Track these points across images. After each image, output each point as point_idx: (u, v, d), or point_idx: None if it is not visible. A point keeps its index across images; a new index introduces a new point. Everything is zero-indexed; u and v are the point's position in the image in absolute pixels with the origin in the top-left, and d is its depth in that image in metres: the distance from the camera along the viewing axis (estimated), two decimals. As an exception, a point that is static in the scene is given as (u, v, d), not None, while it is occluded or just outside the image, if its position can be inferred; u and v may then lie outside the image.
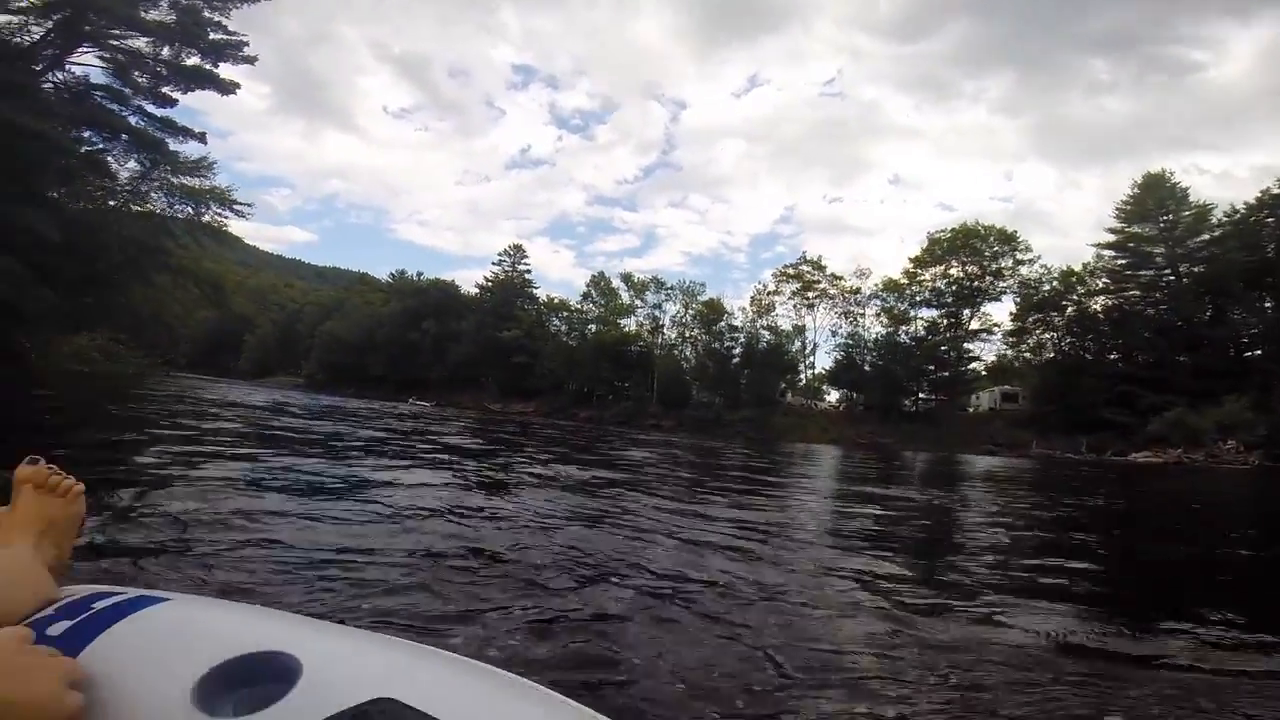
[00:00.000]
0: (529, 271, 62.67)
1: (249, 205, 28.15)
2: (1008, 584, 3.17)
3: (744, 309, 53.16)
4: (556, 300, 60.91)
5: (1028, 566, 3.73)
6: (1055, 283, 41.79)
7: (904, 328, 46.87)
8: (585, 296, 58.00)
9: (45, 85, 21.86)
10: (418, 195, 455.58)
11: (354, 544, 2.56)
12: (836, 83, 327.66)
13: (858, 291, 48.86)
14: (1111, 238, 39.79)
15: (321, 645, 0.61)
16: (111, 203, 25.03)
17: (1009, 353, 45.68)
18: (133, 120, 23.41)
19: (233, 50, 24.10)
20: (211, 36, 23.18)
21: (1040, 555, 4.19)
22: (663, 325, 55.80)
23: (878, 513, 5.94)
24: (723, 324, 52.32)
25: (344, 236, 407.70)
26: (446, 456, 7.51)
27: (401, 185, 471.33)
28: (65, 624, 0.66)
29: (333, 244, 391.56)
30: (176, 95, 24.41)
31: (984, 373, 47.75)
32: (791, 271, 51.27)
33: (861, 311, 48.90)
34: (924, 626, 2.27)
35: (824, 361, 52.99)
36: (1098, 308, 40.43)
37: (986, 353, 46.77)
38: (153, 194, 25.45)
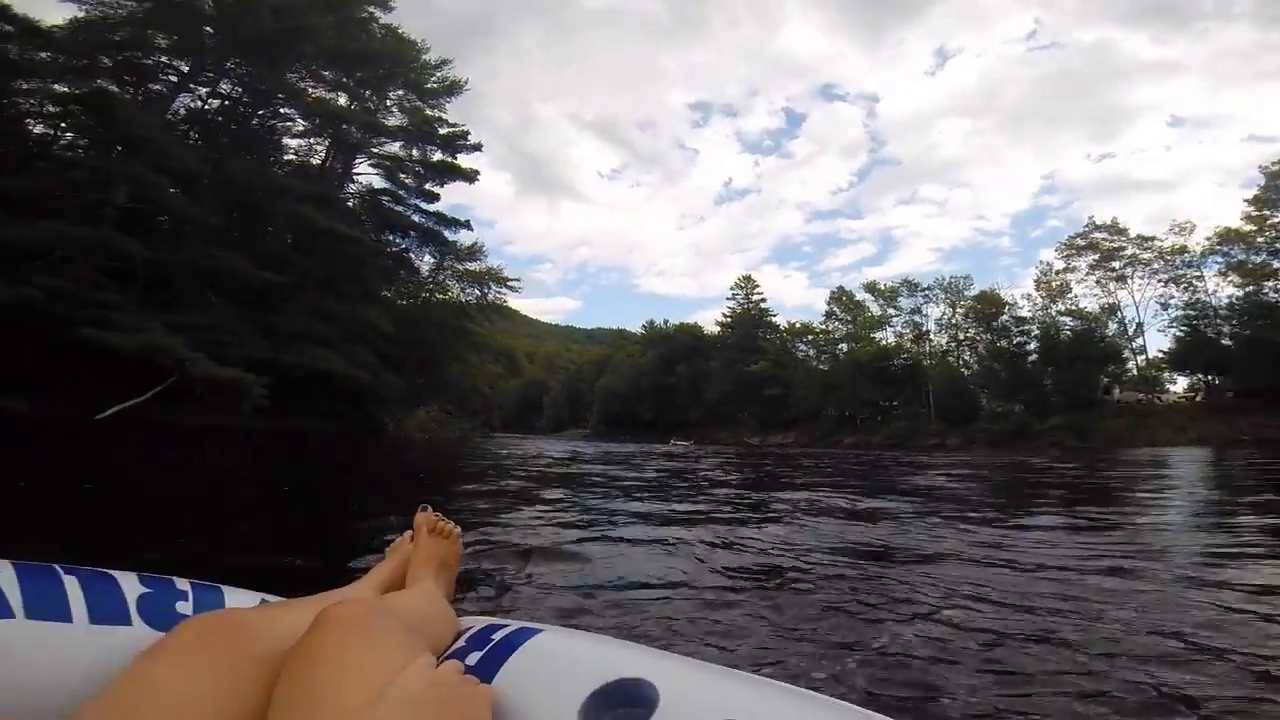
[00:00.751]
0: (764, 300, 61.87)
1: (518, 280, 33.00)
2: None
3: (1028, 297, 44.73)
4: (799, 325, 58.68)
5: None
6: None
7: (1269, 283, 34.38)
8: (828, 316, 54.87)
9: (345, 198, 27.76)
10: (649, 248, 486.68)
11: (658, 576, 2.60)
12: (1039, 34, 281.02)
13: (1183, 250, 37.64)
14: None
15: (676, 675, 0.66)
16: (423, 295, 31.40)
17: None
18: (415, 218, 28.75)
19: (461, 140, 28.43)
20: (441, 131, 27.63)
21: None
22: (928, 332, 49.79)
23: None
24: (1005, 318, 44.53)
25: (601, 298, 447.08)
26: (711, 490, 7.28)
27: (634, 242, 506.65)
28: (477, 654, 0.77)
29: (594, 306, 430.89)
30: (437, 190, 29.38)
31: None
32: (1082, 242, 41.79)
33: (1198, 274, 37.43)
34: None
35: (1158, 343, 41.48)
36: None
37: None
38: (448, 281, 31.38)
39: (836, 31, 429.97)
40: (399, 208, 29.68)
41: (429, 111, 28.58)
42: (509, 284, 32.02)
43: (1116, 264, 40.36)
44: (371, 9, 26.18)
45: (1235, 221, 36.01)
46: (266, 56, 22.21)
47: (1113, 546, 3.29)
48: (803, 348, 57.70)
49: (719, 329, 64.42)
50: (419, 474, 9.33)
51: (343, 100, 27.64)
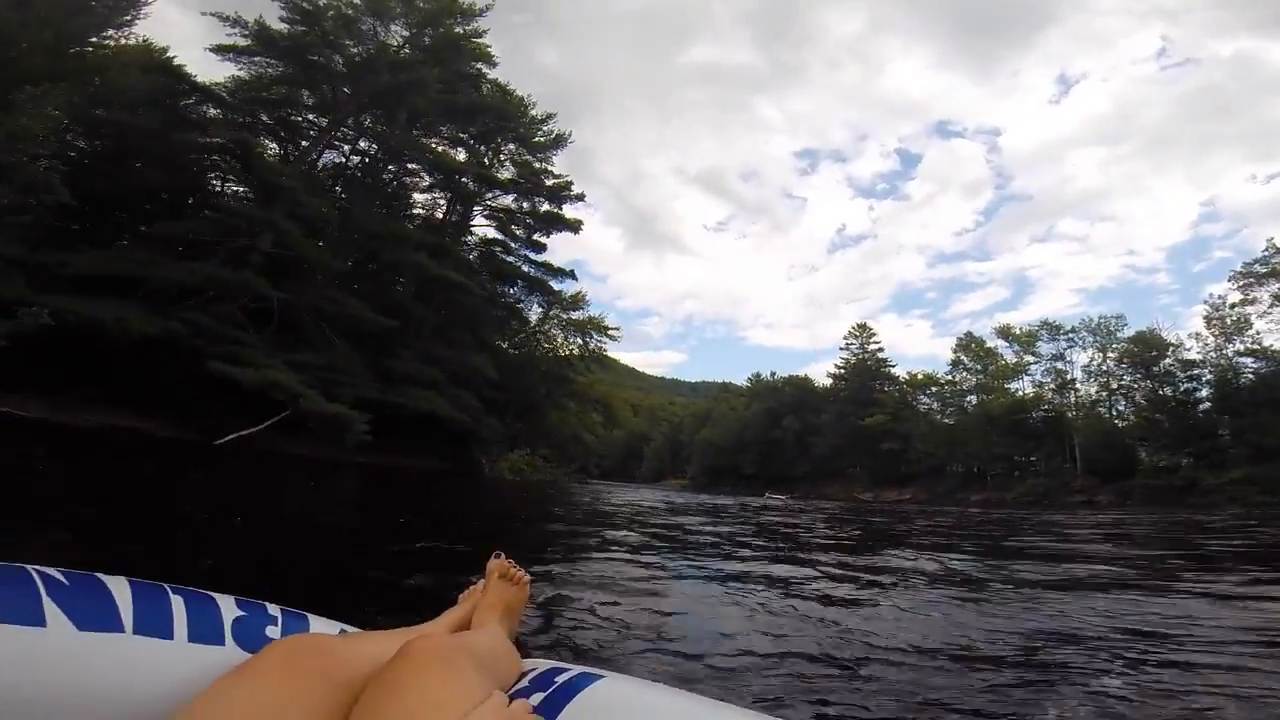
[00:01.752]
0: (881, 350, 58.18)
1: (618, 329, 33.33)
2: None
3: (1196, 336, 38.64)
4: (921, 376, 54.41)
5: None
6: None
7: None
8: (955, 365, 50.40)
9: (463, 252, 29.29)
10: (757, 300, 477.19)
11: (734, 637, 2.44)
12: (1170, 52, 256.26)
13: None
14: None
15: None
16: (531, 343, 32.49)
17: None
18: (525, 269, 29.85)
19: (566, 191, 29.34)
20: (548, 183, 28.71)
21: None
22: (1073, 380, 44.31)
23: None
24: (1169, 361, 38.64)
25: (706, 351, 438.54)
26: (802, 551, 6.62)
27: (740, 294, 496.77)
28: (540, 695, 0.81)
29: (699, 360, 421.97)
30: (544, 240, 30.37)
31: None
32: (1263, 269, 35.67)
33: None
34: None
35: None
36: None
37: None
38: (553, 330, 32.29)
39: (944, 67, 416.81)
40: (510, 258, 31.29)
41: (536, 164, 30.21)
42: (609, 333, 32.46)
43: (1311, 292, 34.08)
44: (479, 65, 28.42)
45: None
46: (387, 110, 24.51)
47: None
48: (925, 400, 53.41)
49: (831, 380, 61.49)
50: (519, 514, 9.38)
51: (461, 156, 30.01)
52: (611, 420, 37.43)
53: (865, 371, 56.99)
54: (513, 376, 29.25)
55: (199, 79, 20.34)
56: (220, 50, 22.20)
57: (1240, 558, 6.02)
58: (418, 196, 30.31)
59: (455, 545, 4.65)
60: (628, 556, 4.64)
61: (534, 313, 32.31)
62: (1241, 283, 36.77)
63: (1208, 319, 37.89)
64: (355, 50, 23.78)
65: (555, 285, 31.59)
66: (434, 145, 28.36)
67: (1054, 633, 2.63)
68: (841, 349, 60.14)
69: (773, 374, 70.76)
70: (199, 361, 16.08)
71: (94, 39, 17.67)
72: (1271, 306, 35.39)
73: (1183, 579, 4.37)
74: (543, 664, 0.96)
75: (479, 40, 27.44)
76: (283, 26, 22.44)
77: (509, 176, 30.00)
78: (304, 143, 24.74)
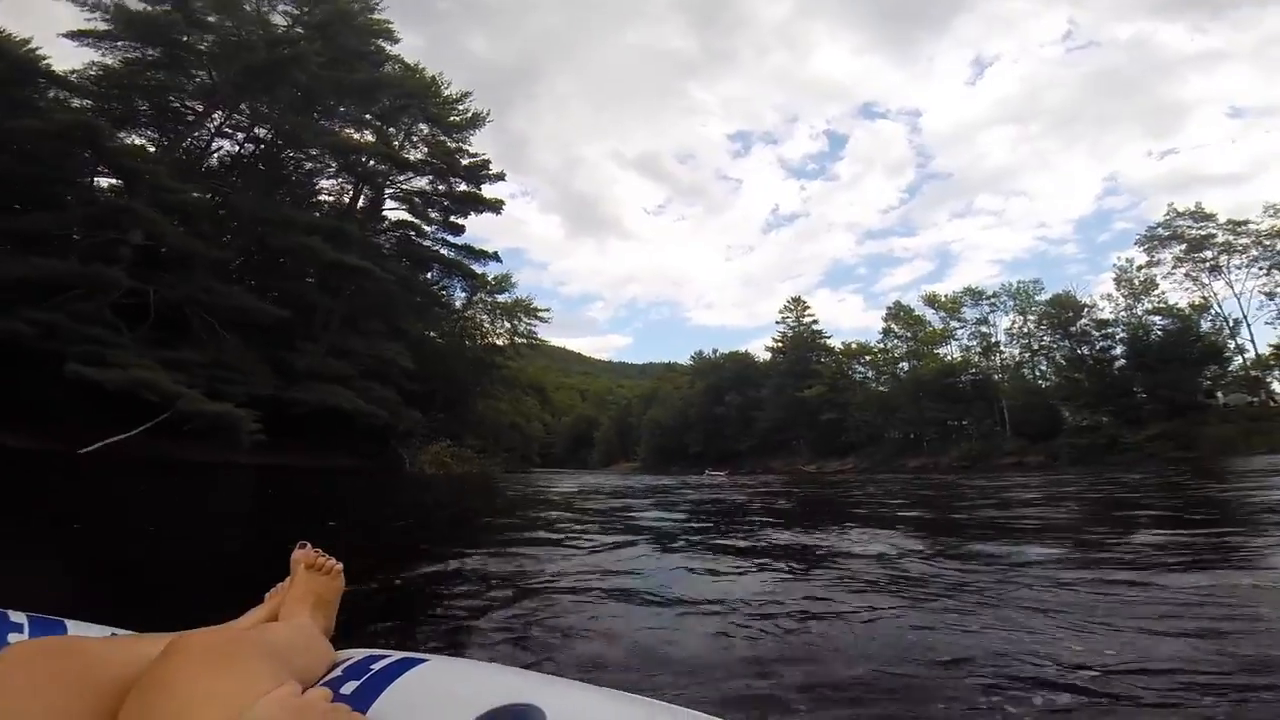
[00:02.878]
0: (816, 323, 58.92)
1: (548, 310, 32.13)
2: None
3: (1109, 298, 40.40)
4: (855, 346, 55.32)
5: None
6: None
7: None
8: (886, 334, 51.41)
9: (374, 238, 27.51)
10: (698, 281, 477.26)
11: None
12: (1075, 34, 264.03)
13: (1287, 232, 33.09)
14: None
15: (564, 699, 0.66)
16: (457, 329, 30.88)
17: None
18: (444, 252, 28.27)
19: (484, 171, 27.90)
20: (464, 163, 27.18)
21: None
22: (998, 343, 45.81)
23: None
24: (1084, 322, 40.26)
25: (651, 334, 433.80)
26: (717, 526, 6.43)
27: (682, 275, 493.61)
28: (353, 684, 0.77)
29: (645, 342, 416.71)
30: (461, 222, 28.84)
31: None
32: (1166, 233, 37.49)
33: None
34: None
35: (1266, 337, 36.51)
36: None
37: None
38: (479, 316, 30.75)
39: (868, 51, 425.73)
40: (427, 242, 29.54)
41: (451, 144, 28.48)
42: (539, 315, 31.22)
43: (1209, 253, 35.94)
44: (379, 42, 26.42)
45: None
46: (268, 90, 22.33)
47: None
48: (860, 369, 54.40)
49: (769, 355, 61.92)
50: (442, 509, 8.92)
51: (370, 139, 27.95)
52: (548, 405, 36.17)
53: (802, 344, 57.57)
54: (436, 365, 27.75)
55: (65, 68, 18.11)
56: (78, 36, 19.65)
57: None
58: (325, 183, 28.28)
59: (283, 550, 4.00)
60: (526, 550, 4.27)
61: (459, 298, 30.69)
62: (1147, 245, 38.58)
63: (1117, 280, 39.72)
64: (231, 29, 21.48)
65: (479, 268, 30.06)
66: (335, 128, 26.28)
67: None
68: (778, 323, 60.66)
69: (714, 351, 70.90)
70: (60, 365, 14.12)
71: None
72: (1175, 267, 37.30)
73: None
74: (360, 652, 0.89)
75: (376, 16, 25.42)
76: (143, 6, 20.03)
77: (420, 157, 28.15)
78: (180, 128, 22.31)
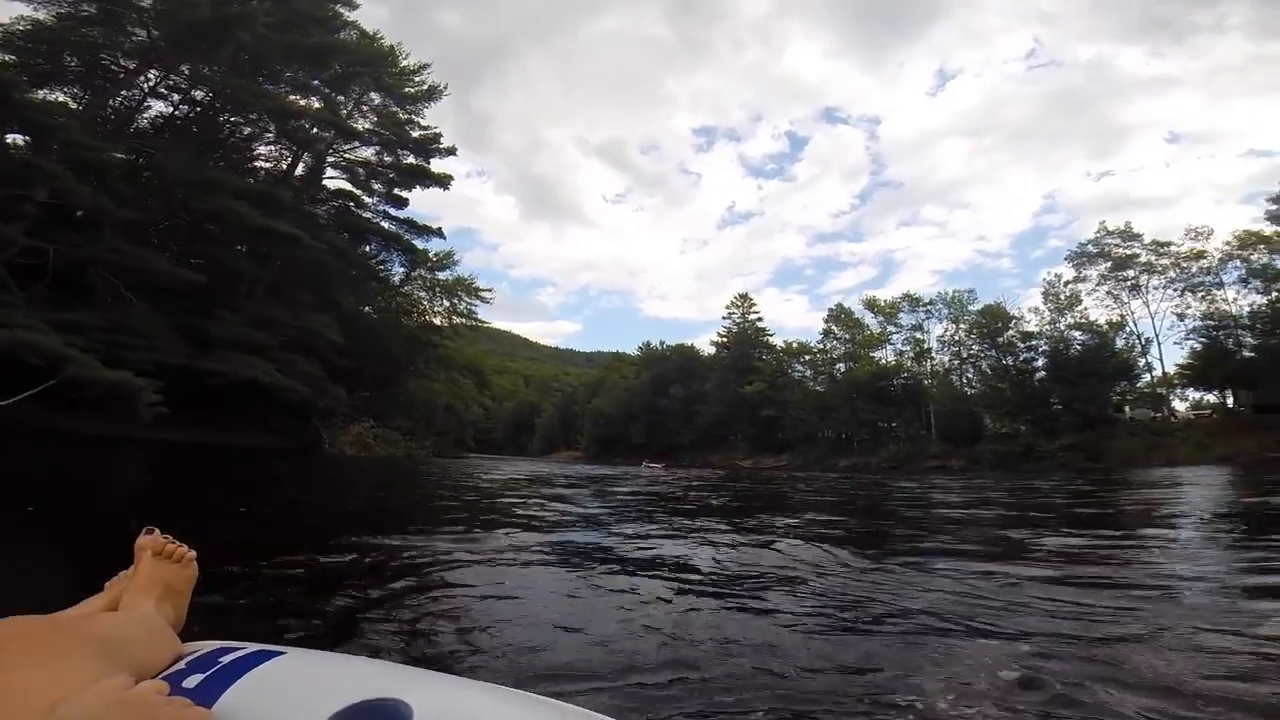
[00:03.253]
0: (760, 320, 59.91)
1: (489, 290, 31.37)
2: None
3: (1035, 310, 42.51)
4: (796, 345, 56.45)
5: None
6: None
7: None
8: (826, 334, 52.60)
9: (311, 207, 26.22)
10: (652, 272, 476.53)
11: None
12: (1039, 53, 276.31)
13: (1202, 256, 35.53)
14: None
15: (431, 693, 0.64)
16: (392, 304, 29.70)
17: None
18: (384, 225, 27.14)
19: (433, 144, 26.91)
20: (414, 135, 26.15)
21: None
22: (929, 350, 47.58)
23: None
24: (1011, 333, 42.25)
25: (602, 322, 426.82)
26: (645, 521, 6.48)
27: (637, 265, 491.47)
28: (198, 677, 0.71)
29: (595, 330, 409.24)
30: (406, 195, 27.78)
31: None
32: (1094, 250, 39.70)
33: (1217, 282, 35.25)
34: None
35: (1173, 357, 39.22)
36: None
37: None
38: (417, 292, 29.66)
39: (839, 54, 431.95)
40: (367, 214, 28.26)
41: (402, 116, 27.27)
42: (480, 294, 30.41)
43: (1131, 272, 38.20)
44: (337, 7, 25.02)
45: (1256, 225, 33.98)
46: (210, 50, 20.90)
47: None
48: (800, 368, 55.52)
49: (714, 349, 62.54)
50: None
51: (316, 105, 26.46)
52: (486, 388, 35.34)
53: (746, 340, 58.37)
54: (369, 341, 26.66)
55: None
56: None
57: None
58: (263, 150, 26.66)
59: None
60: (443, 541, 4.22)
61: (397, 273, 29.50)
62: (1075, 261, 40.73)
63: (1045, 294, 41.80)
64: None
65: (421, 244, 28.96)
66: (281, 92, 24.73)
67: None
68: (724, 318, 61.29)
69: (662, 343, 71.10)
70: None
71: None
72: (1099, 284, 39.52)
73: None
74: (208, 645, 0.83)
75: None
76: None
77: (368, 127, 26.83)
78: (107, 86, 20.51)
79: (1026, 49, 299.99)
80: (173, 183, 20.53)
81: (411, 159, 28.27)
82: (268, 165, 26.42)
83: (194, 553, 1.10)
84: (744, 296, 60.63)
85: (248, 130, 26.02)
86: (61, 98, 20.63)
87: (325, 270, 24.79)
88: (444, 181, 28.84)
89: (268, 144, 25.65)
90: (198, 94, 24.27)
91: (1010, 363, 41.93)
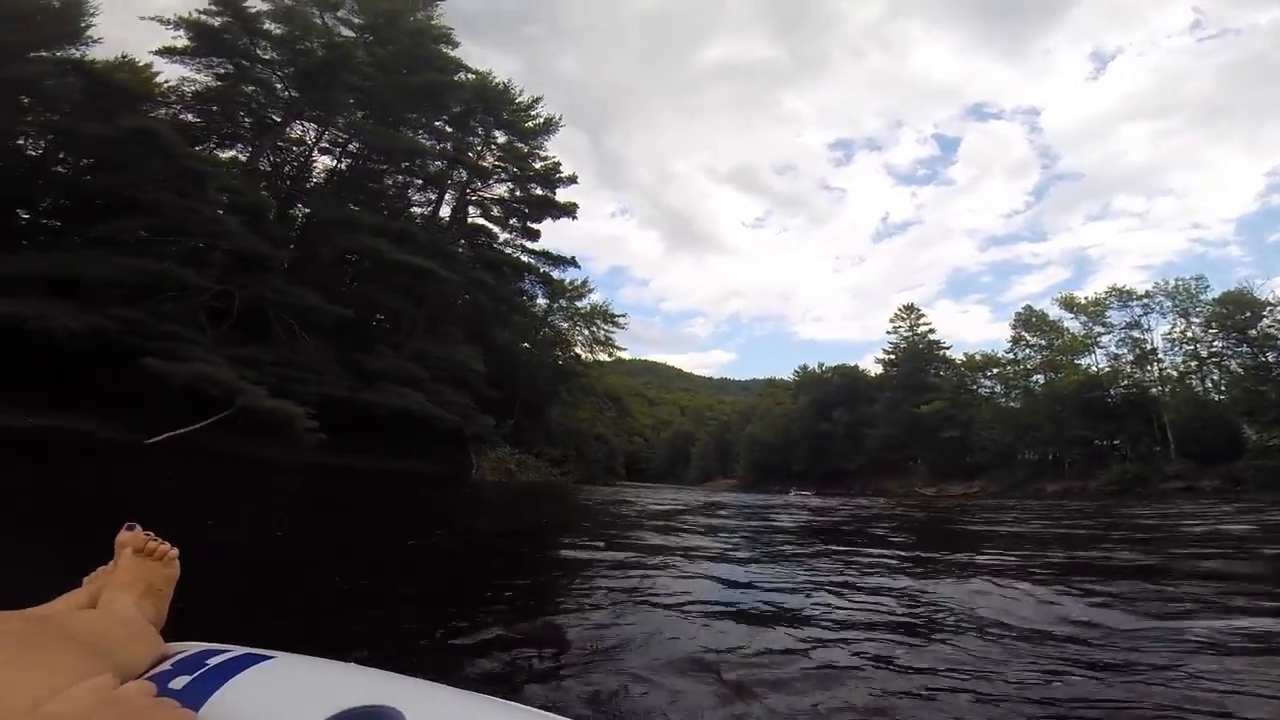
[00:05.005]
0: (932, 331, 53.64)
1: (624, 316, 31.31)
2: None
3: (1298, 293, 32.91)
4: (979, 357, 49.51)
5: None
6: None
7: None
8: (1015, 342, 45.48)
9: (454, 246, 27.76)
10: (804, 294, 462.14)
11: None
12: (1204, 24, 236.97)
13: None
14: None
15: (424, 702, 0.63)
16: (537, 336, 30.78)
17: None
18: (522, 258, 28.16)
19: (556, 174, 27.47)
20: (536, 166, 26.91)
21: None
22: (1154, 351, 39.00)
23: None
24: (1267, 323, 33.12)
25: (755, 349, 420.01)
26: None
27: (786, 289, 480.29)
28: (185, 679, 0.70)
29: (749, 358, 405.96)
30: (538, 228, 28.58)
31: None
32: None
33: None
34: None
35: None
36: None
37: None
38: (559, 323, 30.45)
39: (973, 49, 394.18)
40: (509, 249, 29.75)
41: (525, 149, 28.62)
42: (615, 321, 30.46)
43: None
44: (439, 46, 26.97)
45: None
46: (324, 90, 22.91)
47: None
48: (986, 383, 48.62)
49: (881, 368, 57.36)
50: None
51: (446, 147, 28.63)
52: (626, 417, 35.29)
53: (917, 355, 52.68)
54: (518, 372, 27.63)
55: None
56: (166, 53, 21.47)
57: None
58: (415, 196, 29.30)
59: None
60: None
61: (539, 304, 30.59)
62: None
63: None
64: (294, 35, 22.73)
65: (559, 275, 29.83)
66: (417, 137, 27.15)
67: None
68: (889, 333, 56.06)
69: (820, 365, 66.90)
70: (138, 358, 15.04)
71: (36, 54, 17.27)
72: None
73: None
74: (194, 646, 0.82)
75: (435, 21, 26.18)
76: (215, 21, 21.66)
77: (494, 163, 28.49)
78: (264, 140, 23.88)
79: (1188, 21, 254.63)
80: (322, 224, 23.11)
81: (538, 190, 29.42)
82: (420, 210, 28.85)
83: (176, 550, 1.05)
84: (910, 308, 55.06)
85: (400, 178, 28.32)
86: (230, 154, 23.41)
87: (474, 306, 26.25)
88: (570, 210, 29.59)
89: (417, 189, 28.04)
90: (329, 138, 25.96)
91: (1272, 359, 32.76)
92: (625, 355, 35.56)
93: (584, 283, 30.40)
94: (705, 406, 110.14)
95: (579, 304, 30.58)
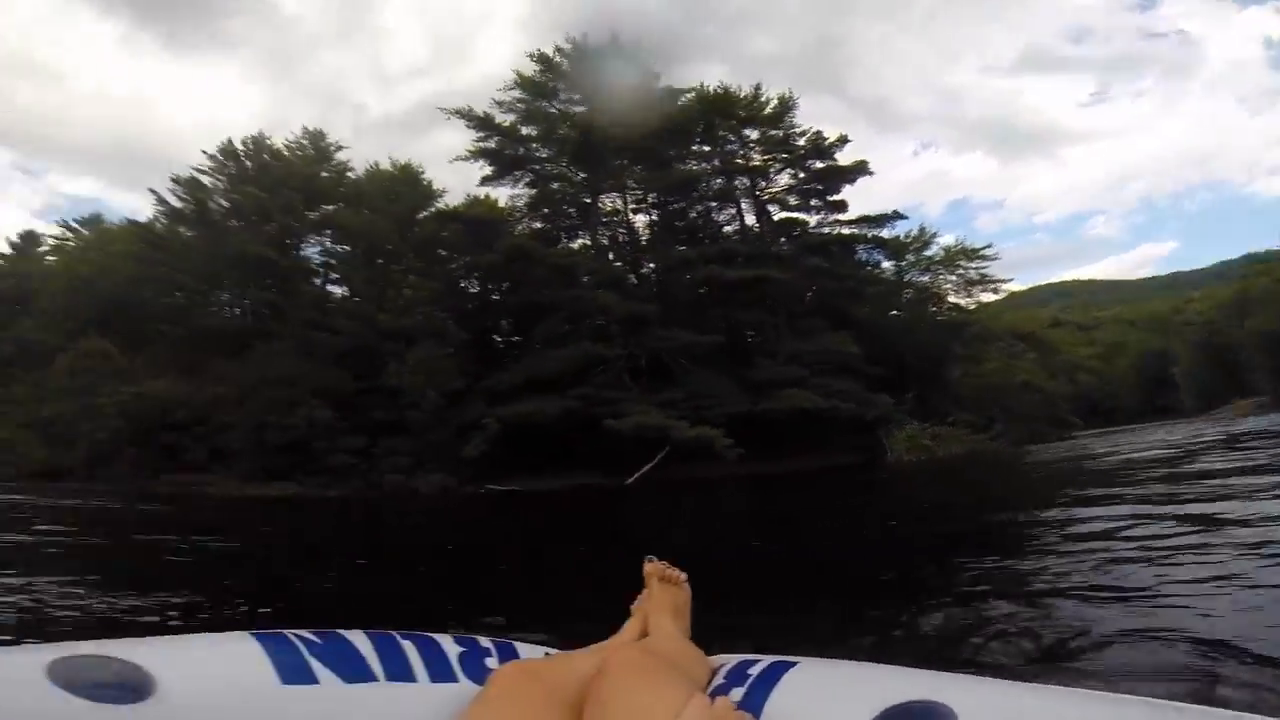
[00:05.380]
0: None
1: (988, 246, 27.19)
2: None
3: None
4: None
5: None
6: None
7: None
8: None
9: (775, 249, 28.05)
10: (1230, 151, 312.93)
11: None
12: None
13: None
14: None
15: (973, 695, 0.61)
16: (900, 302, 28.80)
17: None
18: (845, 231, 27.19)
19: (822, 142, 27.04)
20: (800, 143, 26.65)
21: None
22: None
23: None
24: None
25: (1199, 228, 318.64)
26: None
27: (1201, 152, 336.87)
28: (739, 690, 0.79)
29: (1195, 241, 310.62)
30: (841, 198, 28.28)
31: None
32: None
33: None
34: None
35: None
36: None
37: None
38: (917, 279, 27.91)
39: None
40: (825, 229, 28.83)
41: (780, 134, 28.03)
42: (981, 254, 26.44)
43: None
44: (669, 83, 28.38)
45: None
46: (593, 162, 25.87)
47: None
48: None
49: None
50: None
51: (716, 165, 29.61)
52: (1039, 347, 29.58)
53: None
54: (892, 342, 26.37)
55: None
56: (477, 155, 26.11)
57: None
58: (719, 217, 30.80)
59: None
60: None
61: (887, 269, 28.85)
62: None
63: None
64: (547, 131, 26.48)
65: (889, 233, 27.89)
66: (683, 168, 28.11)
67: None
68: None
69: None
70: (599, 421, 19.93)
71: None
72: None
73: None
74: (730, 658, 0.93)
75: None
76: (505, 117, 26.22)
77: (761, 160, 28.47)
78: (586, 219, 27.88)
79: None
80: (664, 270, 26.50)
81: (818, 164, 28.01)
82: (730, 227, 29.82)
83: (685, 575, 1.28)
84: None
85: (699, 207, 29.90)
86: (578, 243, 27.66)
87: (821, 293, 26.41)
88: (862, 169, 27.43)
89: (717, 211, 29.57)
90: (650, 197, 28.48)
91: None
92: (1016, 286, 30.56)
93: (921, 230, 27.53)
94: (1160, 314, 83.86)
95: (927, 254, 27.73)
